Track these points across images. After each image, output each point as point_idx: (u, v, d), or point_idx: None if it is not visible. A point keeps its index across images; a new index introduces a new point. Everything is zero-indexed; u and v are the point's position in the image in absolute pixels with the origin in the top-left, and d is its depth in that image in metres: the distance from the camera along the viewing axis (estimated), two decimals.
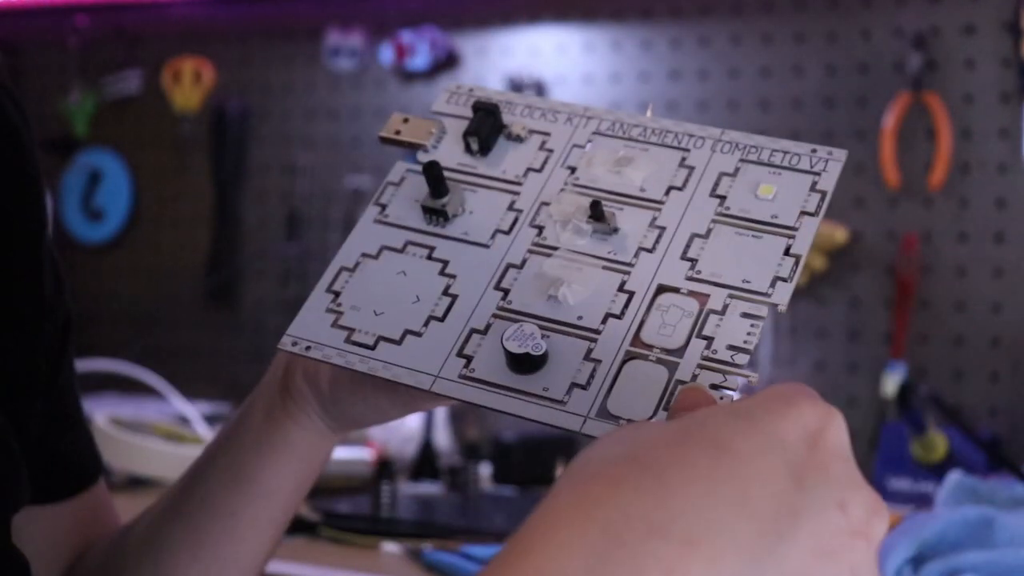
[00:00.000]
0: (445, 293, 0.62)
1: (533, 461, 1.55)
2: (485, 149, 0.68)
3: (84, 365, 1.72)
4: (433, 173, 0.64)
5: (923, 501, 1.39)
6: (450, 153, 0.68)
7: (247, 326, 2.06)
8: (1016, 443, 1.57)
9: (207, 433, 1.62)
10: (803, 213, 0.61)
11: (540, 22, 1.90)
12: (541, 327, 0.59)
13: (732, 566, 0.39)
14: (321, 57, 2.03)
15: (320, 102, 2.05)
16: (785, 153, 0.64)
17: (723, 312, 0.58)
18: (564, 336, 0.59)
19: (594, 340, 0.58)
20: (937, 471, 1.40)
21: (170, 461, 1.51)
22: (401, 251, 0.65)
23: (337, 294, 0.64)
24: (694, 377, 0.55)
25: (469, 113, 0.69)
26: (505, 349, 0.57)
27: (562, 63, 1.87)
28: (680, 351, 0.56)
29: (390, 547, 1.25)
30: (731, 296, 0.58)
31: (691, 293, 0.59)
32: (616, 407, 0.55)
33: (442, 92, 0.71)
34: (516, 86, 1.88)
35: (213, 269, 2.11)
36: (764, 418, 0.43)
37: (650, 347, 0.57)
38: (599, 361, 0.57)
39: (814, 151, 0.64)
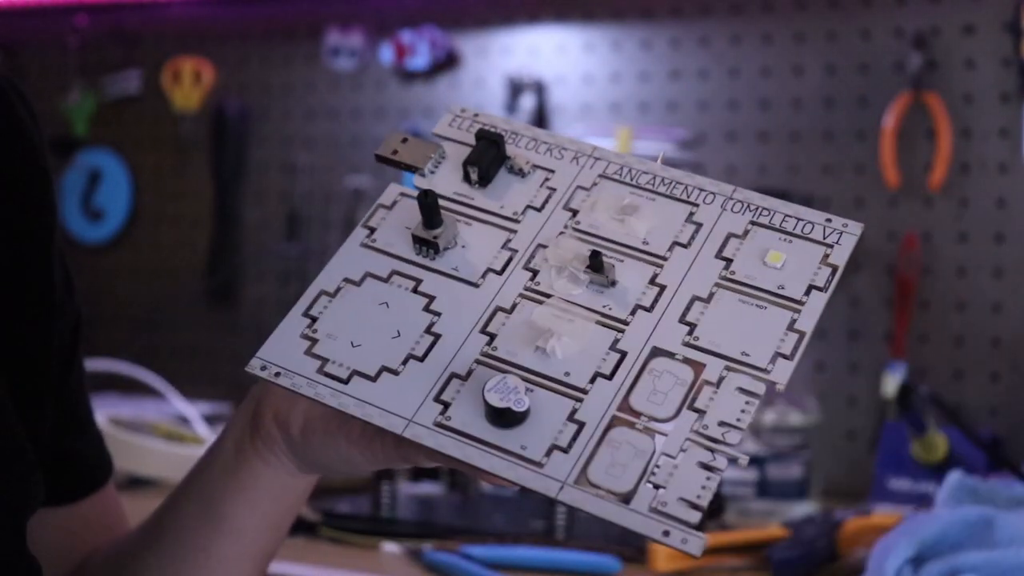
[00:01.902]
0: (428, 331, 0.59)
1: None
2: (485, 180, 0.64)
3: (84, 365, 1.71)
4: (428, 203, 0.61)
5: (923, 501, 1.39)
6: (447, 180, 0.65)
7: (247, 326, 2.06)
8: (1016, 443, 1.57)
9: (207, 433, 1.63)
10: (812, 287, 0.58)
11: (540, 22, 1.90)
12: (525, 380, 0.56)
13: None
14: (321, 57, 2.02)
15: (320, 102, 2.05)
16: (798, 220, 0.61)
17: (718, 384, 0.55)
18: (549, 392, 0.56)
19: (580, 400, 0.55)
20: (937, 471, 1.39)
21: (170, 461, 1.51)
22: (386, 280, 0.62)
23: (314, 319, 0.61)
24: (681, 451, 0.53)
25: (472, 140, 0.66)
26: (486, 401, 0.55)
27: (562, 63, 1.87)
28: (669, 421, 0.54)
29: (390, 547, 1.25)
30: (728, 368, 0.56)
31: (686, 360, 0.56)
32: (596, 476, 0.53)
33: (445, 114, 0.68)
34: (516, 86, 1.88)
35: (213, 269, 2.11)
36: None
37: (638, 414, 0.54)
38: (583, 423, 0.54)
39: (828, 220, 0.61)
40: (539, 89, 1.87)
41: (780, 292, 0.58)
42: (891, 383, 1.57)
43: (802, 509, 1.46)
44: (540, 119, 1.87)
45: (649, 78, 1.82)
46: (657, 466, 0.53)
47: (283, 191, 2.07)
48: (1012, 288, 1.61)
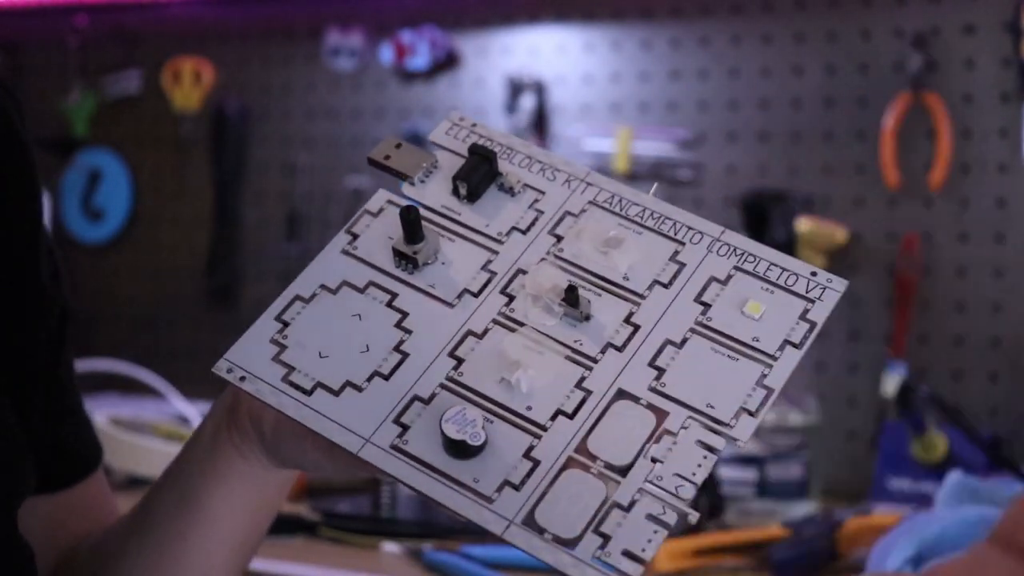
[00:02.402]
0: (397, 349, 0.59)
1: None
2: (474, 196, 0.63)
3: (84, 365, 1.72)
4: (409, 219, 0.60)
5: (923, 501, 1.39)
6: (436, 192, 0.64)
7: (247, 326, 2.05)
8: (1016, 443, 1.56)
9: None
10: (787, 342, 0.57)
11: (540, 22, 1.90)
12: (486, 410, 0.55)
13: None
14: (321, 57, 2.03)
15: (320, 102, 2.05)
16: (783, 271, 0.59)
17: (678, 435, 0.54)
18: (508, 425, 0.55)
19: (538, 437, 0.55)
20: (937, 471, 1.40)
21: (170, 461, 1.51)
22: (362, 291, 0.61)
23: (286, 324, 0.61)
24: (632, 503, 0.52)
25: (466, 152, 0.64)
26: (442, 431, 0.54)
27: (562, 63, 1.87)
28: (625, 470, 0.53)
29: (390, 547, 1.25)
30: (691, 419, 0.55)
31: (650, 407, 0.55)
32: (544, 518, 0.52)
33: (444, 121, 0.67)
34: (516, 86, 1.88)
35: (213, 269, 2.11)
36: None
37: (594, 458, 0.54)
38: (538, 462, 0.54)
39: (814, 274, 0.59)
40: (539, 89, 1.87)
41: (754, 344, 0.57)
42: (891, 383, 1.57)
43: (802, 509, 1.46)
44: (540, 119, 1.87)
45: (649, 78, 1.82)
46: (606, 515, 0.52)
47: (283, 191, 2.07)
48: (1012, 288, 1.61)
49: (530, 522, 0.52)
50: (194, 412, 1.68)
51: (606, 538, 0.51)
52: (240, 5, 2.11)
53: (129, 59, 2.18)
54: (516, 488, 0.53)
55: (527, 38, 1.90)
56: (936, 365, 1.64)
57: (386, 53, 1.95)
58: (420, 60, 1.93)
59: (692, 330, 0.58)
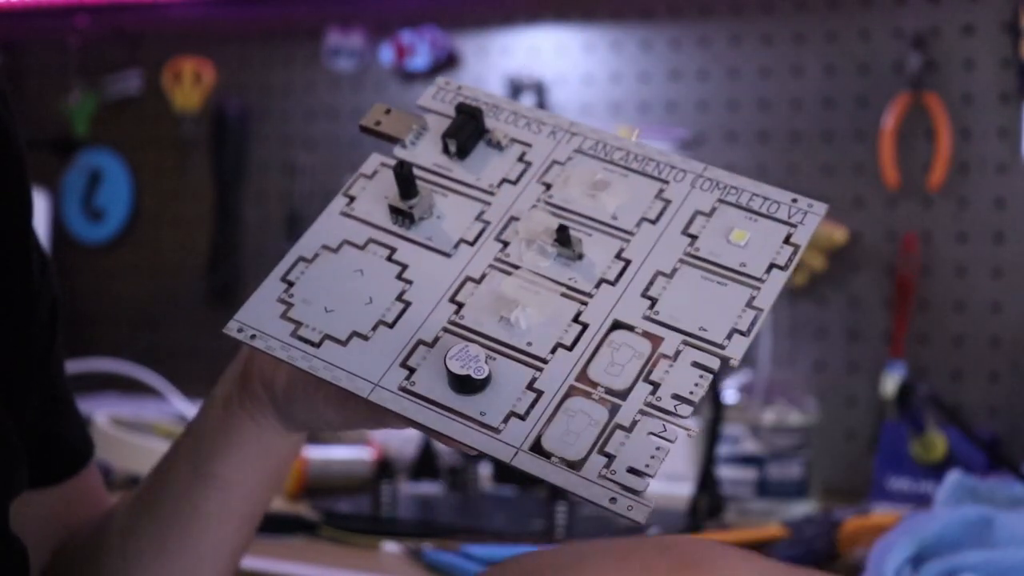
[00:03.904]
0: (399, 299, 0.61)
1: None
2: (463, 152, 0.66)
3: (84, 365, 1.72)
4: (403, 174, 0.63)
5: (923, 501, 1.39)
6: (427, 152, 0.67)
7: None
8: (1016, 443, 1.57)
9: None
10: (773, 265, 0.59)
11: (540, 22, 1.90)
12: (488, 348, 0.58)
13: None
14: (321, 57, 2.03)
15: (320, 102, 2.05)
16: (765, 199, 0.61)
17: (674, 358, 0.56)
18: (510, 361, 0.57)
19: (540, 369, 0.57)
20: (937, 471, 1.40)
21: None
22: (362, 248, 0.64)
23: (291, 284, 0.63)
24: (634, 423, 0.54)
25: (453, 113, 0.67)
26: (447, 368, 0.56)
27: (562, 63, 1.88)
28: (624, 393, 0.55)
29: (390, 547, 1.25)
30: (685, 343, 0.57)
31: (645, 334, 0.57)
32: (550, 443, 0.54)
33: (431, 86, 0.70)
34: (516, 86, 1.88)
35: (213, 269, 2.11)
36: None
37: (595, 384, 0.56)
38: (541, 392, 0.56)
39: (795, 201, 0.61)
40: (539, 89, 1.87)
41: (741, 269, 0.59)
42: (890, 383, 1.57)
43: (801, 509, 1.47)
44: None
45: (649, 78, 1.82)
46: (610, 436, 0.54)
47: (283, 191, 2.07)
48: (1011, 288, 1.61)
49: (537, 448, 0.54)
50: (194, 412, 1.68)
51: (611, 457, 0.53)
52: (240, 5, 2.11)
53: (129, 59, 2.18)
54: (521, 418, 0.55)
55: (527, 38, 1.90)
56: (935, 365, 1.64)
57: (386, 53, 1.96)
58: (420, 60, 1.93)
59: (681, 260, 0.60)
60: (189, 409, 1.69)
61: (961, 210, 1.64)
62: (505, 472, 1.57)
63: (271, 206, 2.08)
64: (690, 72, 1.80)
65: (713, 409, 1.36)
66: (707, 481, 1.38)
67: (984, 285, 1.63)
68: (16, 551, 0.65)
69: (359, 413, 0.63)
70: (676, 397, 0.55)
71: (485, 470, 1.58)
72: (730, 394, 1.52)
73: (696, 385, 0.55)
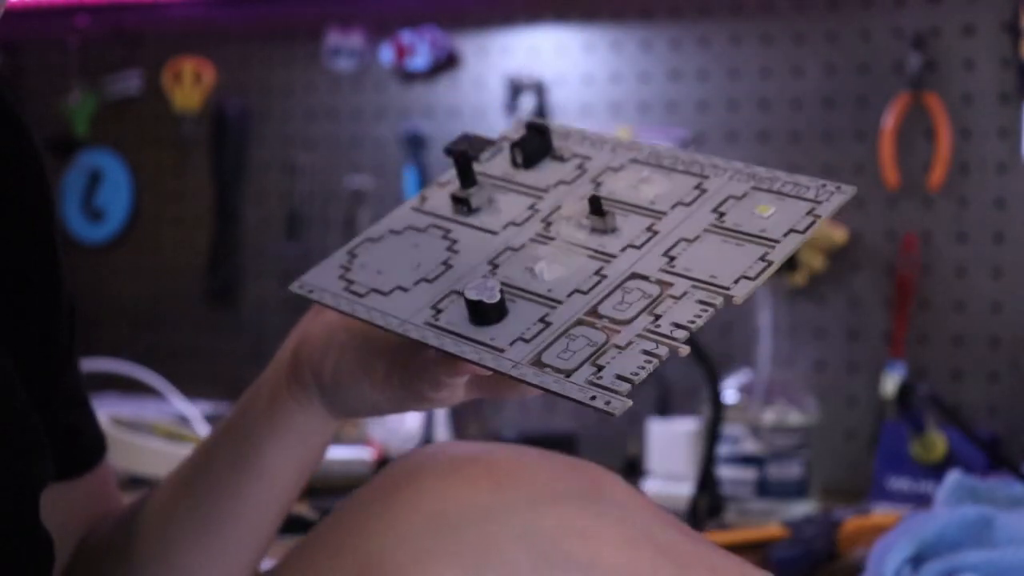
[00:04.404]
0: (443, 263, 0.66)
1: None
2: (529, 163, 0.71)
3: (84, 365, 1.71)
4: (461, 162, 0.69)
5: (922, 501, 1.39)
6: (498, 165, 0.73)
7: (247, 326, 2.06)
8: (1016, 443, 1.57)
9: (207, 433, 1.63)
10: (792, 231, 0.61)
11: (540, 22, 1.90)
12: (511, 292, 0.62)
13: None
14: (321, 57, 2.03)
15: (320, 102, 2.05)
16: (796, 184, 0.64)
17: (680, 298, 0.59)
18: (527, 301, 0.61)
19: (553, 308, 0.61)
20: (936, 471, 1.40)
21: (170, 461, 1.50)
22: (423, 231, 0.70)
23: (354, 256, 0.69)
24: (629, 344, 0.57)
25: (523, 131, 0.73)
26: (464, 297, 0.61)
27: (562, 63, 1.88)
28: (627, 323, 0.58)
29: None
30: (693, 286, 0.59)
31: (658, 281, 0.60)
32: (548, 358, 0.57)
33: (513, 122, 0.77)
34: (516, 86, 1.88)
35: (213, 269, 2.11)
36: None
37: (601, 316, 0.59)
38: (550, 323, 0.59)
39: (824, 185, 0.63)
40: (539, 89, 1.87)
41: (761, 234, 0.61)
42: (890, 383, 1.58)
43: (801, 509, 1.47)
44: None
45: (649, 78, 1.82)
46: (604, 352, 0.57)
47: (283, 191, 2.07)
48: (1011, 288, 1.61)
49: (536, 362, 0.58)
50: (194, 412, 1.68)
51: (600, 368, 0.56)
52: (240, 5, 2.11)
53: (129, 59, 2.18)
54: (527, 341, 0.59)
55: (527, 38, 1.90)
56: (935, 365, 1.64)
57: (386, 53, 1.96)
58: (420, 60, 1.93)
59: (706, 230, 0.62)
60: (188, 409, 1.69)
61: (961, 210, 1.64)
62: None
63: (271, 206, 2.08)
64: (690, 72, 1.79)
65: (713, 409, 1.36)
66: (707, 481, 1.38)
67: (984, 285, 1.63)
68: (45, 542, 0.66)
69: (401, 393, 0.67)
70: (675, 325, 0.57)
71: None
72: (730, 394, 1.52)
73: (696, 316, 0.57)
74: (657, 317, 0.58)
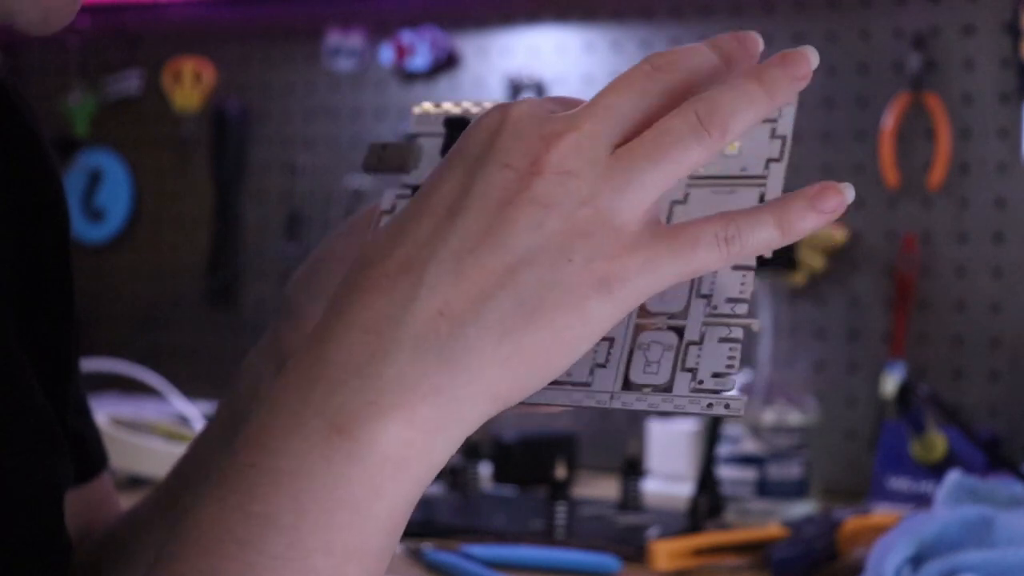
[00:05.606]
0: None
1: (533, 461, 1.55)
2: None
3: (84, 365, 1.72)
4: (454, 130, 0.67)
5: (922, 501, 1.39)
6: (429, 171, 0.68)
7: (247, 326, 2.06)
8: (1016, 443, 1.57)
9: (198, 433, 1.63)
10: (769, 160, 0.62)
11: (540, 22, 1.90)
12: None
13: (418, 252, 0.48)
14: (321, 57, 2.03)
15: (320, 102, 2.05)
16: None
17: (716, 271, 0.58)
18: None
19: None
20: (936, 471, 1.40)
21: (170, 461, 1.50)
22: None
23: None
24: (702, 336, 0.56)
25: (442, 130, 0.69)
26: None
27: (562, 63, 1.88)
28: (684, 314, 0.57)
29: None
30: None
31: None
32: (637, 377, 0.56)
33: (411, 115, 0.71)
34: (516, 86, 1.88)
35: (213, 269, 2.11)
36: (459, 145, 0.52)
37: (655, 315, 0.58)
38: (612, 339, 0.58)
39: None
40: (539, 89, 1.87)
41: (744, 174, 0.62)
42: (890, 383, 1.57)
43: (801, 509, 1.47)
44: None
45: None
46: (686, 354, 0.56)
47: (283, 191, 2.07)
48: (1011, 288, 1.62)
49: (629, 386, 0.56)
50: (194, 412, 1.68)
51: (694, 371, 0.56)
52: (240, 5, 2.11)
53: (129, 59, 2.18)
54: (603, 366, 0.57)
55: (527, 38, 1.90)
56: (935, 365, 1.64)
57: (386, 53, 1.96)
58: (420, 60, 1.93)
59: (689, 186, 0.62)
60: (188, 409, 1.69)
61: (961, 210, 1.64)
62: (505, 472, 1.57)
63: (271, 206, 2.08)
64: None
65: None
66: (707, 481, 1.38)
67: (984, 285, 1.63)
68: (66, 545, 0.66)
69: None
70: (730, 300, 0.57)
71: (485, 470, 1.58)
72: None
73: (743, 284, 0.57)
74: (707, 297, 0.57)
